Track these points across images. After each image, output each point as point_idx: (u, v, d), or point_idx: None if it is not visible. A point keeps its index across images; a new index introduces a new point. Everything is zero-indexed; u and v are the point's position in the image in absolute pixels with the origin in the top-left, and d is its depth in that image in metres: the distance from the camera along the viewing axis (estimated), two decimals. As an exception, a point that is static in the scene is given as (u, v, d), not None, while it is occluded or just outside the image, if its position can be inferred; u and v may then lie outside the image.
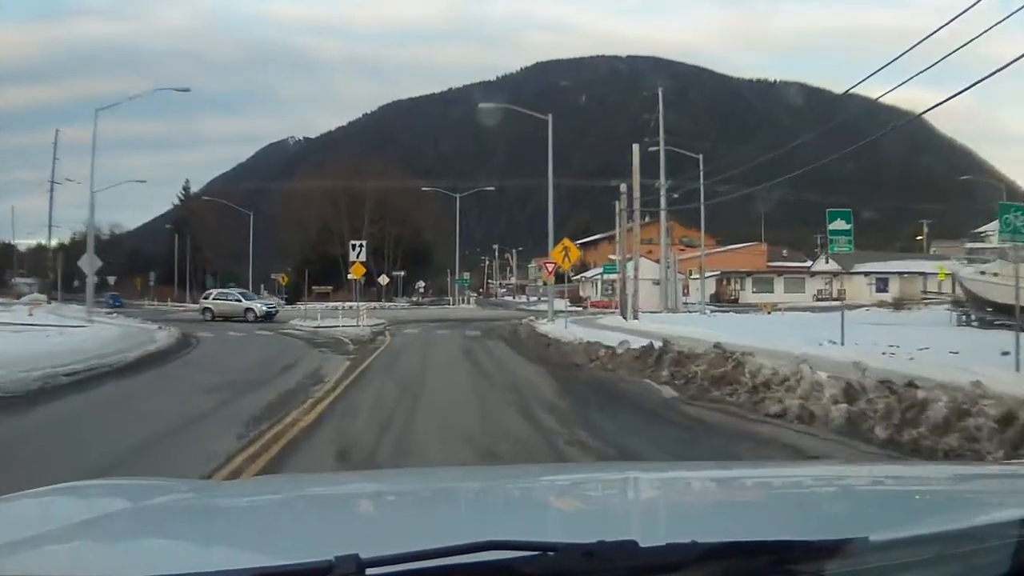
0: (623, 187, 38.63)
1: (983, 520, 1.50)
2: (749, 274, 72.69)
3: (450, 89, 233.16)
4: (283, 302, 74.09)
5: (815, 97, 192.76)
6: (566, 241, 29.81)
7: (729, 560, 1.23)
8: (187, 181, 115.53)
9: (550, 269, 31.47)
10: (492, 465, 6.53)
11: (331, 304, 57.93)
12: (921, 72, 13.98)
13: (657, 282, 55.75)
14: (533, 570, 1.20)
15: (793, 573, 1.23)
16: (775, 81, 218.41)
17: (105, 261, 36.02)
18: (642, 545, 1.23)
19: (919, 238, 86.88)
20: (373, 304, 60.81)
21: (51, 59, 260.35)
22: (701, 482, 2.42)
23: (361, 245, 34.11)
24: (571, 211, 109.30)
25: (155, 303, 76.95)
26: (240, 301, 46.10)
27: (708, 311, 45.29)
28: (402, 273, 76.40)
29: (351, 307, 53.10)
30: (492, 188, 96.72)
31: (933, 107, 16.08)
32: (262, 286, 71.32)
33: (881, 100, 17.46)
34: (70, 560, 1.45)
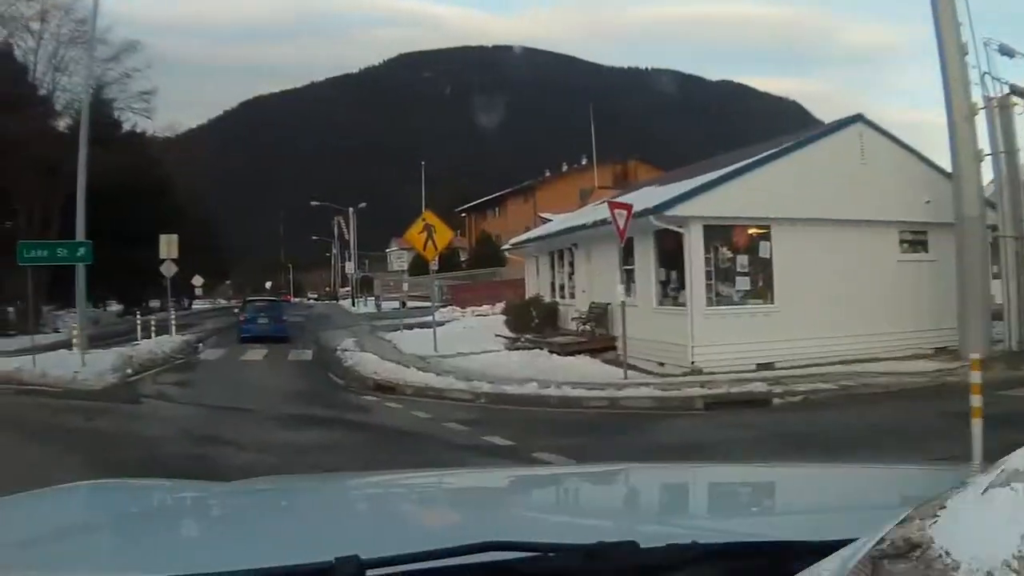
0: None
1: None
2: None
3: (312, 83, 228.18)
4: None
5: (688, 84, 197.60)
6: (428, 216, 20.07)
7: (729, 561, 1.21)
8: None
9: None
10: (492, 467, 6.36)
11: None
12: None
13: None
14: (533, 571, 1.18)
15: (792, 574, 1.17)
16: (647, 68, 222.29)
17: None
18: (642, 546, 1.21)
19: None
20: None
21: None
22: (701, 482, 2.42)
23: None
24: (440, 195, 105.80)
25: None
26: None
27: None
28: None
29: None
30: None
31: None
32: None
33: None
34: (70, 561, 1.43)
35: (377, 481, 2.82)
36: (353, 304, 59.26)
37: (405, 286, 50.04)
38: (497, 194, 62.41)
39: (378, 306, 48.94)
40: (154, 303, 54.08)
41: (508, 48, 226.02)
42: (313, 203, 71.21)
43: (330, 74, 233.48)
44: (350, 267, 65.74)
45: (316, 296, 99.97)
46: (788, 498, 2.14)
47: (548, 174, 61.13)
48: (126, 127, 48.11)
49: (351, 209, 67.88)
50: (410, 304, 41.36)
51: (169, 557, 1.46)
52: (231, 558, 1.38)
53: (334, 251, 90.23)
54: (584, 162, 56.31)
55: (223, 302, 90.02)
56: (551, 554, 1.20)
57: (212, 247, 66.77)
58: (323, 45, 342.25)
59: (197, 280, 52.06)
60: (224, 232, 71.72)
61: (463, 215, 68.05)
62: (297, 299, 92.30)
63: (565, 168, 60.43)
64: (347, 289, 79.38)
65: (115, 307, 54.62)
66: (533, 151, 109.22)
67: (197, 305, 71.92)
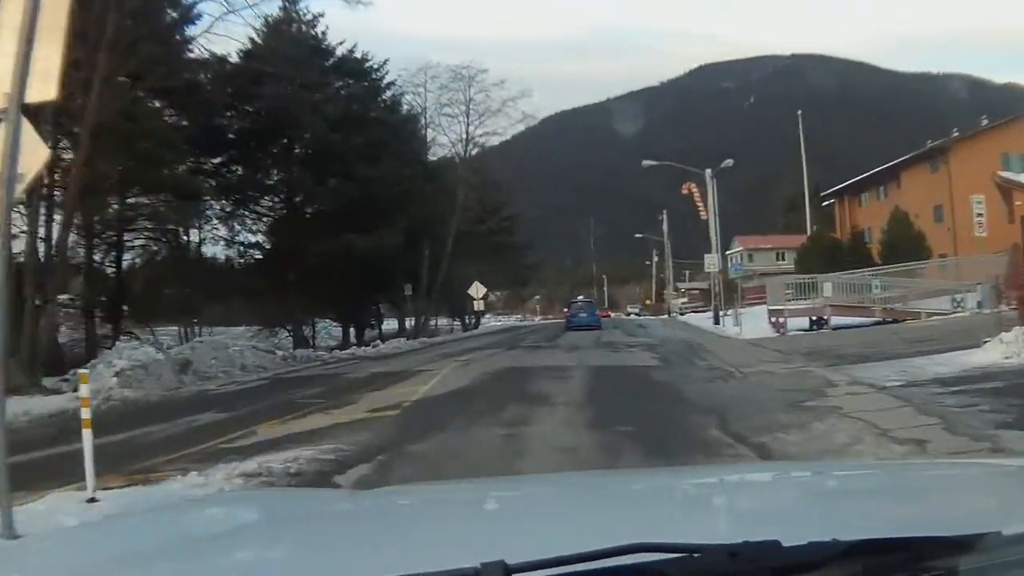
0: None
1: None
2: None
3: (609, 99, 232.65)
4: None
5: (976, 88, 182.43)
6: None
7: (871, 556, 1.22)
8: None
9: None
10: (629, 469, 6.42)
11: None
12: None
13: None
14: (678, 572, 1.19)
15: (928, 569, 1.22)
16: (937, 73, 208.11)
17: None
18: (784, 544, 1.22)
19: None
20: None
21: None
22: (836, 480, 2.43)
23: None
24: (754, 208, 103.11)
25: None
26: None
27: None
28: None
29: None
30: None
31: None
32: None
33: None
34: (208, 572, 1.51)
35: (517, 484, 2.91)
36: (717, 321, 37.57)
37: (827, 288, 28.34)
38: (884, 167, 49.37)
39: (778, 325, 27.53)
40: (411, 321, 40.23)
41: (804, 56, 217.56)
42: (647, 163, 52.07)
43: (630, 88, 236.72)
44: (711, 261, 41.15)
45: (638, 310, 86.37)
46: (919, 494, 2.09)
47: (930, 143, 47.12)
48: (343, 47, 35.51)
49: (708, 171, 45.04)
50: (837, 319, 26.76)
51: (309, 565, 1.51)
52: (372, 565, 1.45)
53: (661, 254, 75.99)
54: (985, 122, 46.64)
55: (530, 319, 79.27)
56: (696, 555, 1.20)
57: (509, 246, 55.39)
58: (620, 61, 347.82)
59: (476, 290, 39.61)
60: (528, 243, 64.08)
61: (825, 203, 57.44)
62: (614, 314, 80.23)
63: (955, 133, 47.69)
64: (682, 301, 66.75)
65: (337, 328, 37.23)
66: (841, 156, 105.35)
67: (490, 323, 57.96)
